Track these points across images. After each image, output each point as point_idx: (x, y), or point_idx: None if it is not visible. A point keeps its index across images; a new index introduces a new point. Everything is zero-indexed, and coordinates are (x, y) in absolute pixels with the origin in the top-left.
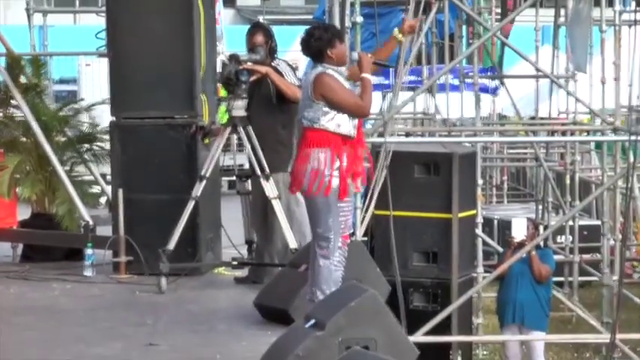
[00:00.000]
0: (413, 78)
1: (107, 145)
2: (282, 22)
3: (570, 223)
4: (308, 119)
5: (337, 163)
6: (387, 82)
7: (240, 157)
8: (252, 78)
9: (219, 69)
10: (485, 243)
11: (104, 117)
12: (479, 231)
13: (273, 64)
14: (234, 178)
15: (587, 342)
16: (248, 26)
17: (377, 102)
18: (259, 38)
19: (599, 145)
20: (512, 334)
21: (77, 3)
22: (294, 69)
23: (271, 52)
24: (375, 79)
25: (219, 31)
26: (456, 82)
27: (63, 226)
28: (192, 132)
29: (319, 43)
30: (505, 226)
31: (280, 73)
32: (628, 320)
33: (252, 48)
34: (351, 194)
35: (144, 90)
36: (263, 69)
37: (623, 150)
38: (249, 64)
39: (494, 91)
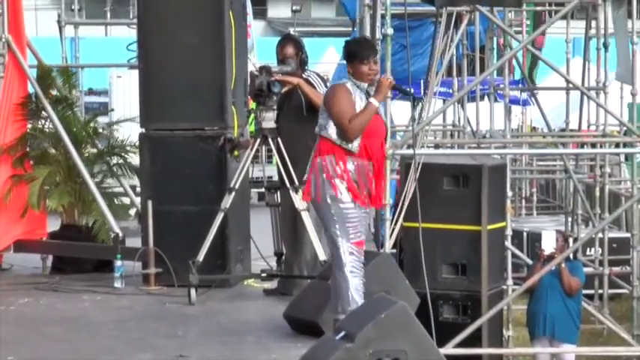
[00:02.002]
0: (444, 90)
1: (137, 157)
2: (312, 33)
3: (600, 235)
4: (319, 125)
5: (340, 169)
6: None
7: (270, 169)
8: (284, 89)
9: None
10: (514, 255)
11: (134, 129)
12: (508, 243)
13: (304, 75)
14: (263, 189)
15: (618, 355)
16: (279, 38)
17: (406, 112)
18: (290, 50)
19: (629, 157)
20: (543, 347)
21: (108, 15)
22: (324, 80)
23: (302, 63)
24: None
25: (250, 42)
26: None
27: (99, 239)
28: (220, 144)
29: (345, 53)
30: (534, 238)
31: (312, 85)
32: None
33: (282, 59)
34: (357, 205)
35: (174, 101)
36: (294, 80)
37: None
38: (279, 75)
39: (524, 103)
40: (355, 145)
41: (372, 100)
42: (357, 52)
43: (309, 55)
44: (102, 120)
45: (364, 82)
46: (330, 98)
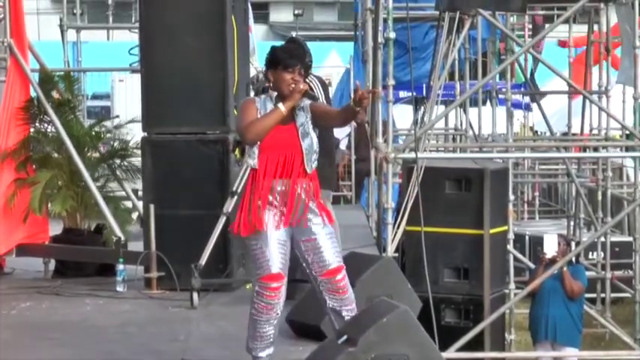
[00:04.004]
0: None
1: (139, 161)
2: (314, 37)
3: (602, 239)
4: None
5: (247, 196)
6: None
7: None
8: None
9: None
10: (516, 259)
11: (136, 132)
12: (510, 247)
13: (307, 80)
14: None
15: (621, 359)
16: (280, 42)
17: (408, 116)
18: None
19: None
20: (545, 351)
21: (110, 19)
22: (326, 85)
23: (306, 68)
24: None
25: (251, 46)
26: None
27: (109, 244)
28: (232, 147)
29: (269, 59)
30: (536, 242)
31: (312, 90)
32: None
33: None
34: (264, 226)
35: (176, 106)
36: None
37: None
38: None
39: (526, 107)
40: (253, 162)
41: (279, 104)
42: (282, 60)
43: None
44: (105, 123)
45: (284, 92)
46: (237, 115)
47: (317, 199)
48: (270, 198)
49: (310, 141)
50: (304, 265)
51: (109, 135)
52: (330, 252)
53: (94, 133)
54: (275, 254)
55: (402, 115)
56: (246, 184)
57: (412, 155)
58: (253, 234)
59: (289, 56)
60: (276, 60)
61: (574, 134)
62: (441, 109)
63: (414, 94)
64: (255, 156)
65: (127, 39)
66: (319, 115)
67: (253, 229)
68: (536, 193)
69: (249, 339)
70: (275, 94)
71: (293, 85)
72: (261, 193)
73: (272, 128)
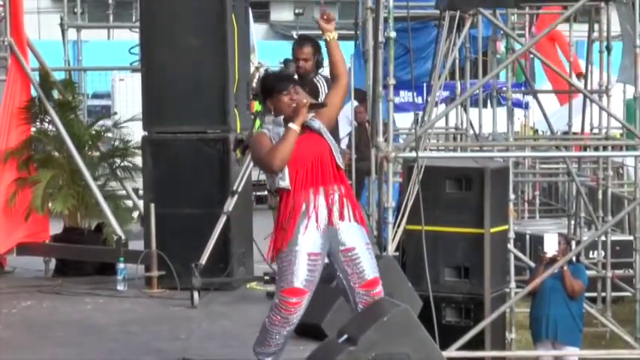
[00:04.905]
0: (447, 94)
1: (139, 160)
2: (315, 36)
3: (603, 238)
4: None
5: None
6: (419, 98)
7: None
8: None
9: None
10: (517, 258)
11: (136, 131)
12: (511, 246)
13: (314, 79)
14: (265, 192)
15: (621, 357)
16: (281, 41)
17: (408, 116)
18: (308, 50)
19: None
20: (546, 350)
21: (111, 18)
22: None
23: (317, 65)
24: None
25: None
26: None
27: (109, 243)
28: (235, 145)
29: (263, 92)
30: (537, 241)
31: (316, 88)
32: None
33: (298, 59)
34: (297, 241)
35: (176, 105)
36: None
37: None
38: None
39: (527, 106)
40: (285, 183)
41: (290, 125)
42: (274, 86)
43: None
44: (105, 122)
45: (288, 114)
46: (251, 150)
47: (357, 209)
48: (304, 207)
49: (331, 138)
50: (341, 275)
51: (109, 134)
52: (369, 263)
53: (93, 132)
54: (302, 269)
55: (402, 115)
56: (279, 205)
57: (412, 154)
58: (286, 247)
59: (279, 80)
60: (269, 88)
61: (574, 133)
62: (442, 108)
63: (414, 93)
64: (286, 176)
65: (127, 38)
66: (325, 112)
67: (287, 243)
68: (537, 192)
69: (257, 342)
70: (281, 117)
71: (294, 105)
72: (296, 206)
73: (292, 148)
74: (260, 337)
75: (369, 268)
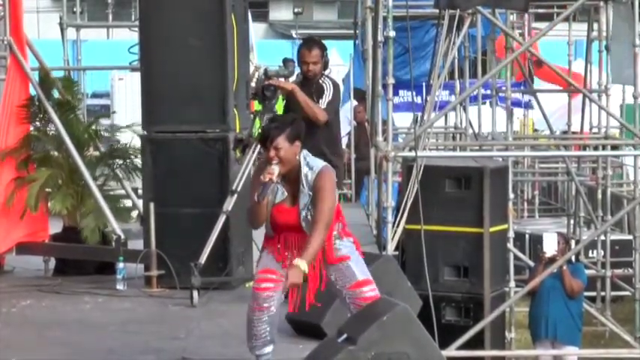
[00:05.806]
0: (446, 94)
1: (139, 159)
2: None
3: (602, 237)
4: None
5: None
6: (418, 97)
7: None
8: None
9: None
10: (516, 257)
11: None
12: (510, 245)
13: (320, 80)
14: None
15: (621, 357)
16: (280, 40)
17: (408, 116)
18: (316, 52)
19: None
20: (545, 349)
21: (110, 18)
22: (338, 87)
23: (325, 66)
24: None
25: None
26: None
27: (83, 238)
28: (234, 145)
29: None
30: (536, 240)
31: (322, 90)
32: None
33: (283, 61)
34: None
35: (176, 104)
36: (289, 85)
37: None
38: (275, 79)
39: (526, 106)
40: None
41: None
42: (264, 140)
43: None
44: (104, 122)
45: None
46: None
47: (331, 250)
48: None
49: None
50: (329, 283)
51: (108, 135)
52: (356, 268)
53: (92, 131)
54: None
55: (401, 114)
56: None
57: (412, 154)
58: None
59: (263, 138)
60: (263, 140)
61: (574, 132)
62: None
63: (414, 93)
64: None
65: (126, 37)
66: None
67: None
68: (536, 192)
69: (247, 338)
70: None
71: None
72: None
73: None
74: (247, 331)
75: (357, 271)
